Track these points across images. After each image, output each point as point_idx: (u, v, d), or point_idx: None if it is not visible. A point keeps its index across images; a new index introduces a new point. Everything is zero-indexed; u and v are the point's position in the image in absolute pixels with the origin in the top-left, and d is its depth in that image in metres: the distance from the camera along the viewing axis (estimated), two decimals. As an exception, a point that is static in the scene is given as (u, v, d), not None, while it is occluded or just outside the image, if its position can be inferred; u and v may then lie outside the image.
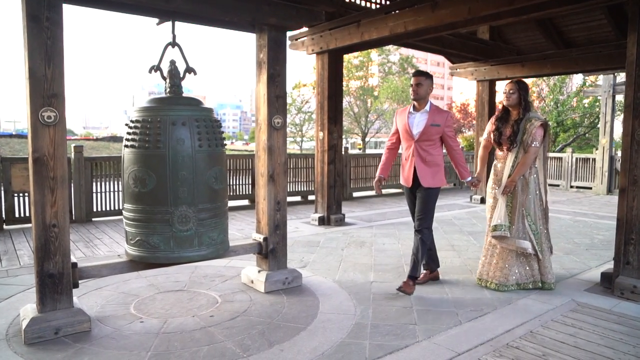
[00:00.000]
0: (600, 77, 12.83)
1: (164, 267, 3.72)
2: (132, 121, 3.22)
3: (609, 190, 11.35)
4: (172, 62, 3.40)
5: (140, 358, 2.67)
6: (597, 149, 12.24)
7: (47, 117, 2.83)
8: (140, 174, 3.13)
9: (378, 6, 6.86)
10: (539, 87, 20.20)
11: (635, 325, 3.19)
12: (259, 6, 3.61)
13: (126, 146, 3.21)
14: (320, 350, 2.78)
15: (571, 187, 12.21)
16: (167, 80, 3.39)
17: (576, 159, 12.24)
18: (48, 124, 2.83)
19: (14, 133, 52.43)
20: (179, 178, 3.13)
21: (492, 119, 4.11)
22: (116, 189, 7.20)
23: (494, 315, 3.36)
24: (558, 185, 12.43)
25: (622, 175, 3.86)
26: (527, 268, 3.91)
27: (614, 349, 2.83)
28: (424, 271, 4.16)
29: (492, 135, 4.04)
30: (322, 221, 6.88)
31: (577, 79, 20.04)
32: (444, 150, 3.97)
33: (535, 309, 3.48)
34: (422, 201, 3.87)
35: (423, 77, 3.85)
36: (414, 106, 3.92)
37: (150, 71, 3.37)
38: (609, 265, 4.33)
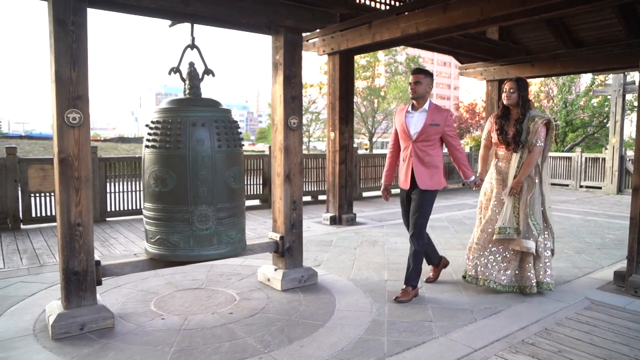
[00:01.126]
0: (610, 76, 12.79)
1: (182, 266, 3.78)
2: (152, 122, 3.28)
3: (619, 190, 11.31)
4: (191, 64, 3.47)
5: (164, 354, 2.73)
6: (606, 149, 12.20)
7: (72, 118, 2.90)
8: (160, 174, 3.20)
9: (388, 7, 6.91)
10: (547, 86, 20.12)
11: (650, 323, 3.21)
12: (276, 8, 3.67)
13: (147, 146, 3.28)
14: (340, 346, 2.84)
15: (580, 186, 12.18)
16: (187, 82, 3.45)
17: (585, 158, 12.20)
18: (73, 125, 2.91)
19: (23, 134, 52.92)
20: (198, 178, 3.19)
21: (491, 118, 3.96)
22: (130, 189, 7.30)
23: (509, 313, 3.40)
24: (567, 185, 12.40)
25: (636, 173, 3.87)
26: (528, 270, 3.74)
27: (630, 346, 2.86)
28: (432, 267, 4.19)
29: (494, 135, 3.89)
30: (334, 221, 6.94)
31: (585, 79, 19.95)
32: (445, 150, 3.83)
33: (549, 307, 3.51)
34: (417, 203, 3.68)
35: (422, 75, 3.69)
36: (412, 105, 3.76)
37: (170, 73, 3.43)
38: (621, 265, 4.36)
